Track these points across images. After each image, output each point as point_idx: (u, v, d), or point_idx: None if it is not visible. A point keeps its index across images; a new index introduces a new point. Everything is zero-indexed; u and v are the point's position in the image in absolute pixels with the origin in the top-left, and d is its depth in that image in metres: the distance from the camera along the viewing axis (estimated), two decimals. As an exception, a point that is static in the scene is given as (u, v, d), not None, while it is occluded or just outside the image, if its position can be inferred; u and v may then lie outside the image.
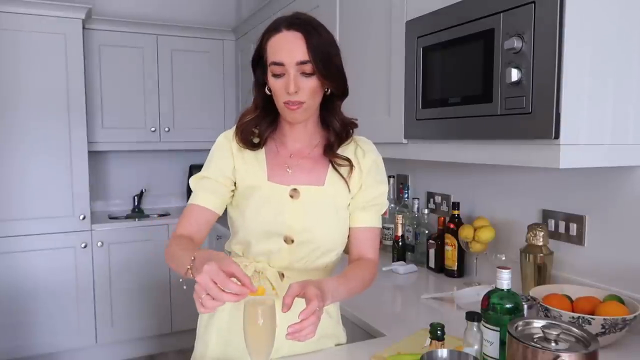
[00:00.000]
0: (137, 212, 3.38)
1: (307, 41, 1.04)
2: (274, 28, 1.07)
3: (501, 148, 1.26)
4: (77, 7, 2.84)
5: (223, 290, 0.83)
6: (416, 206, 2.09)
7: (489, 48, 1.24)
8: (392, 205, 2.26)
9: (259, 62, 1.12)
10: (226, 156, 1.16)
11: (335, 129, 1.17)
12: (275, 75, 1.06)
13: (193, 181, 1.19)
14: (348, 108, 1.16)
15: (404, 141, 1.65)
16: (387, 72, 1.74)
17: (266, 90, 1.12)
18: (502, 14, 1.20)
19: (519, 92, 1.16)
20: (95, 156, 3.26)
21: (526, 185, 1.66)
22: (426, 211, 2.06)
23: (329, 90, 1.12)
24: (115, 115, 3.18)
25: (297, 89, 1.04)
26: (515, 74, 1.15)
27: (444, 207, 2.04)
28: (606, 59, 1.14)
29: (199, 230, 1.14)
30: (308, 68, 1.04)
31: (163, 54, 3.29)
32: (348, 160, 1.15)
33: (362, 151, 1.19)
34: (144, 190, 3.48)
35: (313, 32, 1.05)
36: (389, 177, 2.29)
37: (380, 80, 1.79)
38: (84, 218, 2.92)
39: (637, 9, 1.17)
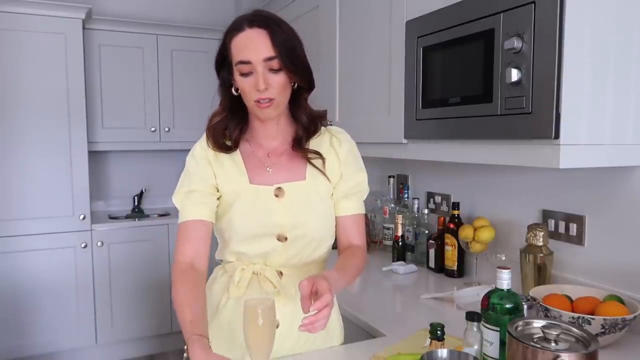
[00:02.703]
0: (137, 212, 3.37)
1: (271, 37, 1.04)
2: (236, 27, 1.06)
3: (501, 148, 1.26)
4: (77, 7, 2.84)
5: None
6: (416, 206, 2.09)
7: (489, 48, 1.24)
8: (392, 205, 2.27)
9: (223, 63, 1.11)
10: (205, 165, 1.15)
11: (303, 123, 1.17)
12: (243, 75, 1.06)
13: (178, 197, 1.17)
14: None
15: (404, 141, 1.65)
16: (387, 72, 1.74)
17: (233, 91, 1.12)
18: (502, 14, 1.20)
19: (519, 92, 1.16)
20: (95, 156, 3.26)
21: (526, 185, 1.66)
22: (426, 211, 2.06)
23: (296, 85, 1.11)
24: (115, 115, 3.18)
25: (266, 85, 1.04)
26: (515, 74, 1.15)
27: (444, 207, 2.04)
28: (606, 58, 1.14)
29: (198, 252, 1.12)
30: (275, 64, 1.04)
31: (163, 54, 3.28)
32: (317, 153, 1.16)
33: (338, 140, 1.20)
34: (144, 190, 3.48)
35: (276, 27, 1.05)
36: (389, 177, 2.29)
37: (380, 80, 1.79)
38: (84, 218, 2.92)
39: (636, 9, 1.17)
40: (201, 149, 1.17)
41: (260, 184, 1.13)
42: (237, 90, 1.11)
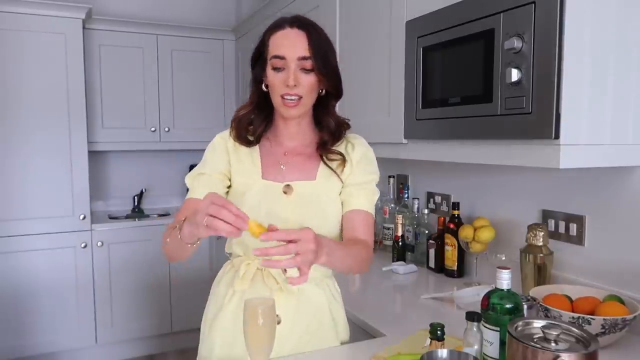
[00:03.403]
0: (137, 212, 3.38)
1: (309, 39, 1.10)
2: (277, 25, 1.14)
3: (501, 148, 1.26)
4: (77, 7, 2.84)
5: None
6: (416, 206, 2.09)
7: (489, 48, 1.24)
8: (392, 205, 2.27)
9: (259, 59, 1.17)
10: (222, 154, 1.20)
11: (331, 128, 1.21)
12: (275, 69, 1.12)
13: (190, 178, 1.22)
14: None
15: (404, 141, 1.65)
16: (387, 72, 1.74)
17: (263, 87, 1.17)
18: (502, 14, 1.20)
19: (519, 92, 1.16)
20: (95, 156, 3.26)
21: (526, 186, 1.66)
22: (426, 211, 2.06)
23: (324, 91, 1.17)
24: (115, 115, 3.18)
25: (296, 82, 1.10)
26: (515, 74, 1.15)
27: (444, 207, 2.04)
28: (606, 58, 1.14)
29: None
30: (308, 64, 1.11)
31: (163, 54, 3.29)
32: (340, 154, 1.20)
33: (352, 145, 1.24)
34: (144, 190, 3.48)
35: (314, 31, 1.13)
36: (389, 177, 2.29)
37: (380, 80, 1.79)
38: (84, 218, 2.92)
39: (636, 9, 1.17)
40: (221, 139, 1.23)
41: (271, 180, 1.18)
42: (267, 86, 1.16)
